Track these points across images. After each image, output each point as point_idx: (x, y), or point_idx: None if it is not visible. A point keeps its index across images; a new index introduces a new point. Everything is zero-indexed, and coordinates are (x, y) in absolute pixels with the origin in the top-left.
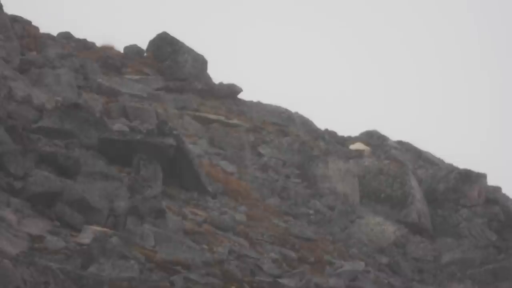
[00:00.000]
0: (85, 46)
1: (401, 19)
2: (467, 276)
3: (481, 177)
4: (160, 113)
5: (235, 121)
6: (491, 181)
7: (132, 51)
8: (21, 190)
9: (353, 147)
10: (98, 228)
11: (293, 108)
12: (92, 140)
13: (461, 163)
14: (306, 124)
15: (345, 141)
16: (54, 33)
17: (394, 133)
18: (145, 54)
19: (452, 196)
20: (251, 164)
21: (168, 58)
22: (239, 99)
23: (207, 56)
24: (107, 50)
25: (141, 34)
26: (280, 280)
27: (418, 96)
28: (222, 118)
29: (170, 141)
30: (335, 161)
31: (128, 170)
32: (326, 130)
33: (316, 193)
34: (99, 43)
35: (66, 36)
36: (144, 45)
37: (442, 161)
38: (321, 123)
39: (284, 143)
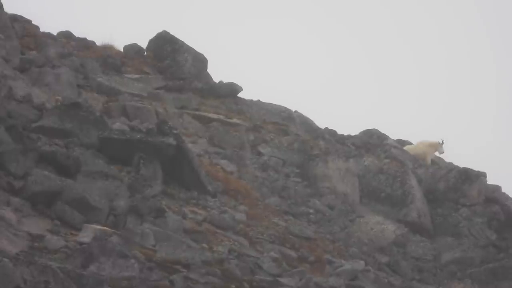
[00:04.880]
0: (85, 45)
1: (401, 15)
2: (467, 275)
3: (481, 176)
4: (160, 112)
5: (235, 120)
6: (490, 180)
7: (132, 50)
8: (21, 190)
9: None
10: (98, 227)
11: (293, 107)
12: (92, 139)
13: (461, 162)
14: (306, 123)
15: (345, 140)
16: (54, 32)
17: (393, 132)
18: (145, 53)
19: (452, 195)
20: (251, 163)
21: (168, 57)
22: (239, 98)
23: (207, 55)
24: (107, 49)
25: (141, 33)
26: (280, 279)
27: (417, 94)
28: (222, 117)
29: (170, 140)
30: (335, 160)
31: (128, 169)
32: (326, 129)
33: (316, 193)
34: (99, 42)
35: (66, 35)
36: (144, 44)
37: (442, 160)
38: (321, 122)
39: (284, 142)
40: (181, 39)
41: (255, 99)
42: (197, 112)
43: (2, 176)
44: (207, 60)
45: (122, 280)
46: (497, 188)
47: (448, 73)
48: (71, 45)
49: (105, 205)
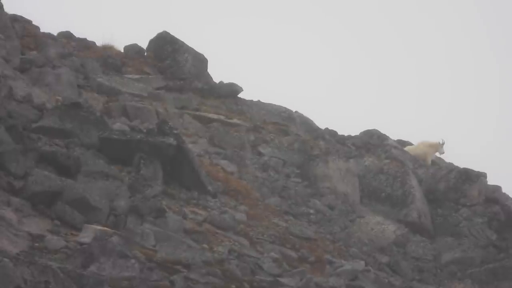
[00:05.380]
0: (85, 45)
1: (402, 15)
2: (467, 275)
3: (481, 176)
4: (160, 113)
5: (235, 120)
6: (491, 181)
7: (133, 50)
8: (22, 190)
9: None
10: (99, 227)
11: (293, 108)
12: (93, 139)
13: (461, 163)
14: (306, 123)
15: (345, 140)
16: (55, 32)
17: (394, 132)
18: (145, 54)
19: (452, 195)
20: (251, 164)
21: (169, 58)
22: (239, 99)
23: (207, 55)
24: (108, 50)
25: (141, 34)
26: (280, 280)
27: (418, 95)
28: (222, 117)
29: (171, 140)
30: (335, 161)
31: (129, 170)
32: (326, 129)
33: (316, 193)
34: (99, 42)
35: (66, 36)
36: (144, 44)
37: (442, 160)
38: (321, 123)
39: (284, 142)
40: (181, 39)
41: (255, 99)
42: (197, 112)
43: (2, 176)
44: (207, 60)
45: (123, 280)
46: (497, 188)
47: (448, 73)
48: (71, 45)
49: (106, 205)
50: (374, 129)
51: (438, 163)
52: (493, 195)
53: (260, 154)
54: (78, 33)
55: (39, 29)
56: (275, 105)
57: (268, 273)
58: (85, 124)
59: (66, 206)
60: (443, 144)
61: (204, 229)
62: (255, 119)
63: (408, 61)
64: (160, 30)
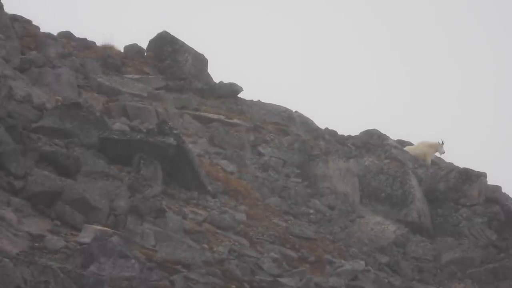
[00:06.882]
0: (85, 45)
1: (403, 15)
2: (467, 275)
3: (481, 176)
4: (160, 113)
5: (235, 120)
6: (491, 181)
7: (133, 50)
8: (22, 190)
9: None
10: (99, 227)
11: (293, 107)
12: (93, 139)
13: (461, 163)
14: (306, 123)
15: (345, 140)
16: (55, 32)
17: (394, 132)
18: (145, 54)
19: (452, 195)
20: (251, 164)
21: (169, 58)
22: (240, 98)
23: (207, 55)
24: (108, 50)
25: (141, 34)
26: (280, 280)
27: (418, 95)
28: (222, 117)
29: (170, 140)
30: (335, 161)
31: (128, 170)
32: (326, 129)
33: (316, 193)
34: (99, 42)
35: (66, 36)
36: (144, 44)
37: (442, 160)
38: (321, 122)
39: (284, 142)
40: (181, 39)
41: (255, 99)
42: (197, 112)
43: (3, 176)
44: (207, 60)
45: (123, 280)
46: (497, 188)
47: (449, 73)
48: (71, 45)
49: (106, 205)
50: (374, 129)
51: (438, 163)
52: (493, 195)
53: (260, 154)
54: (78, 33)
55: (39, 29)
56: (275, 105)
57: (268, 273)
58: (85, 124)
59: (66, 206)
60: (442, 144)
61: (204, 229)
62: (255, 119)
63: (409, 61)
64: (160, 30)
